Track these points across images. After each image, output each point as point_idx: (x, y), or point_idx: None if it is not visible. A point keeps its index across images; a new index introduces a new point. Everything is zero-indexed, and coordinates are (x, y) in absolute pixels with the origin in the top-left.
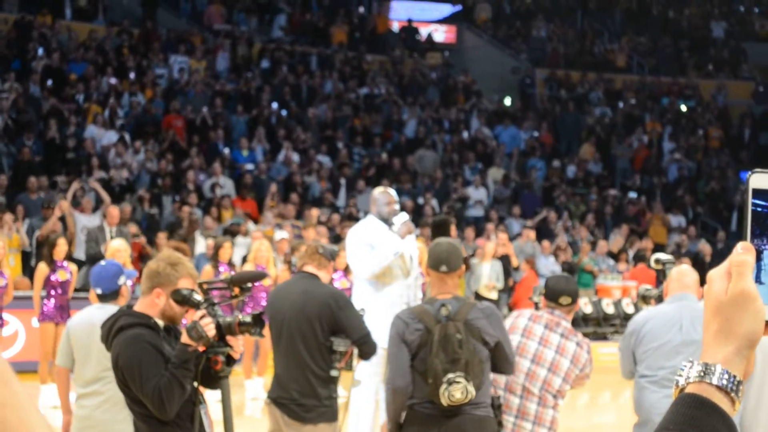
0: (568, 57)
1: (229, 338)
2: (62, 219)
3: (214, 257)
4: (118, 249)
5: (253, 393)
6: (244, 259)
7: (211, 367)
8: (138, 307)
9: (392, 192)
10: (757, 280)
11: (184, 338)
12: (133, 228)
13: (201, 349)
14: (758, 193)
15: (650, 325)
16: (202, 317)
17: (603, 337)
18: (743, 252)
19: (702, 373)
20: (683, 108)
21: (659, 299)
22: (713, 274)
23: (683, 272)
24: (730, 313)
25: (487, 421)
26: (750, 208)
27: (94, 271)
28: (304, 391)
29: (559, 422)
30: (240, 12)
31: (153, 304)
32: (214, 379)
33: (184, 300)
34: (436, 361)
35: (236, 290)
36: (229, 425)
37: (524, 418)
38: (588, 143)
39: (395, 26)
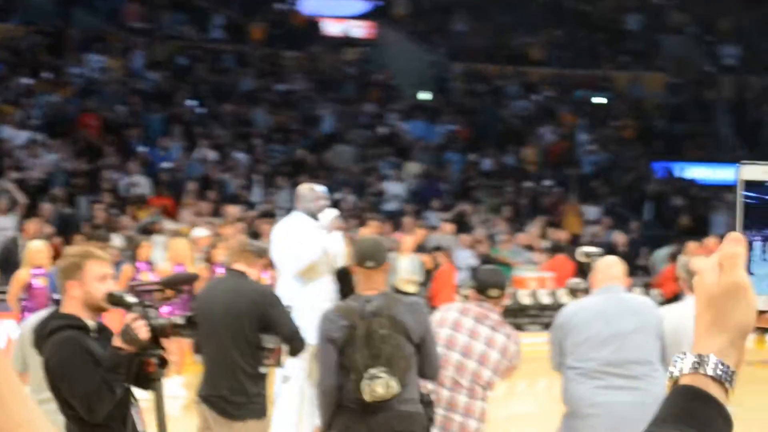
0: (486, 51)
1: (163, 340)
2: None
3: (132, 257)
4: (39, 250)
5: (172, 391)
6: (162, 259)
7: (144, 369)
8: (64, 309)
9: (319, 188)
10: (748, 271)
11: (116, 341)
12: (47, 229)
13: (132, 350)
14: (749, 185)
15: (578, 318)
16: (134, 320)
17: (520, 328)
18: (734, 243)
19: (696, 365)
20: (597, 100)
21: (587, 292)
22: (703, 265)
23: (609, 263)
24: (722, 304)
25: (415, 416)
26: (741, 199)
27: (54, 277)
28: (234, 389)
29: (488, 414)
30: (158, 9)
31: (72, 300)
32: (148, 380)
33: (117, 302)
34: (358, 356)
35: (169, 292)
36: (162, 427)
37: (454, 410)
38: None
39: (315, 22)
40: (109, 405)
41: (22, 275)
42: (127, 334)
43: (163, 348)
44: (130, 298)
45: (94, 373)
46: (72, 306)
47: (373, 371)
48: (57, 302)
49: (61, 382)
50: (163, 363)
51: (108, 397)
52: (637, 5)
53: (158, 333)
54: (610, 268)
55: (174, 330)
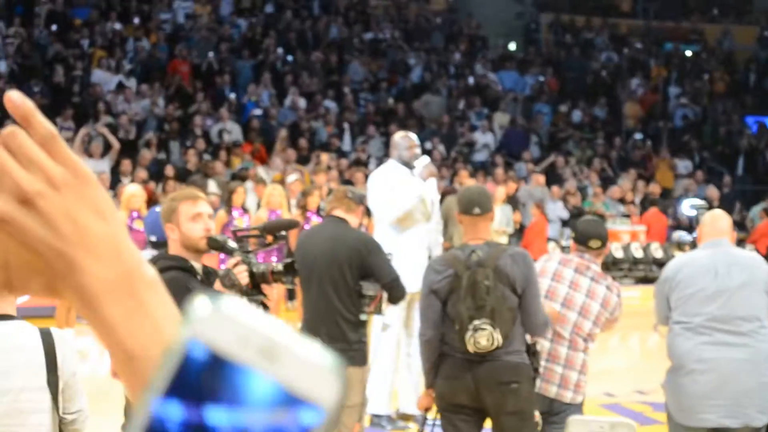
0: (573, 2)
1: (264, 287)
2: None
3: (227, 202)
4: (133, 194)
5: None
6: (258, 205)
7: None
8: (170, 251)
9: (413, 136)
10: None
11: (218, 286)
12: (142, 173)
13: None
14: None
15: (685, 272)
16: (235, 265)
17: None
18: None
19: None
20: (687, 53)
21: (693, 245)
22: None
23: (716, 217)
24: None
25: (521, 367)
26: None
27: (148, 220)
28: (334, 335)
29: (589, 365)
30: None
31: (173, 243)
32: None
33: (218, 246)
34: (462, 307)
35: (269, 238)
36: None
37: (555, 362)
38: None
39: None
40: None
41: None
42: (228, 278)
43: (264, 294)
44: (232, 243)
45: None
46: (174, 248)
47: (477, 322)
48: (154, 244)
49: None
50: (265, 309)
51: None
52: None
53: (258, 279)
54: (717, 221)
55: (274, 276)
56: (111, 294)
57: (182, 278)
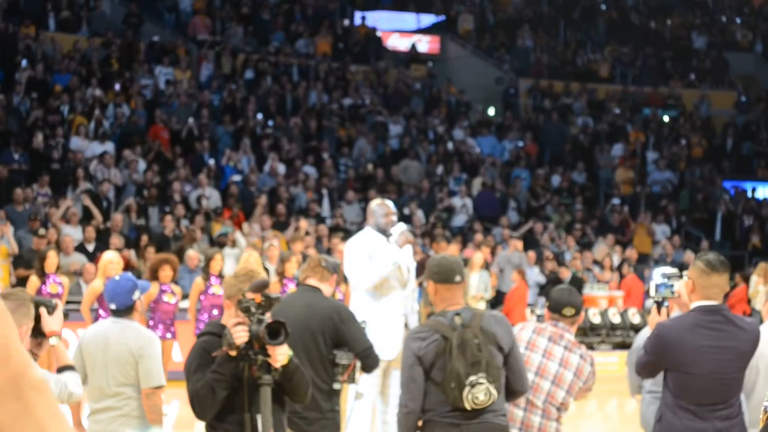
0: (552, 67)
1: (269, 347)
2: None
3: (204, 269)
4: (110, 261)
5: None
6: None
7: (250, 373)
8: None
9: (390, 204)
10: None
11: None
12: (117, 241)
13: (232, 354)
14: None
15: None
16: (235, 325)
17: (590, 347)
18: None
19: None
20: (666, 118)
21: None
22: None
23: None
24: None
25: (506, 430)
26: None
27: (109, 287)
28: (307, 404)
29: None
30: (224, 22)
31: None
32: (254, 384)
33: (245, 310)
34: (458, 364)
35: (258, 299)
36: (266, 430)
37: (528, 431)
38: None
39: (379, 36)
40: (211, 405)
41: (96, 286)
42: (226, 338)
43: (267, 354)
44: (254, 307)
45: (203, 375)
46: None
47: (473, 378)
48: (114, 312)
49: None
50: (268, 369)
51: (209, 397)
52: (704, 22)
53: (254, 339)
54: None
55: (260, 342)
56: None
57: (208, 341)
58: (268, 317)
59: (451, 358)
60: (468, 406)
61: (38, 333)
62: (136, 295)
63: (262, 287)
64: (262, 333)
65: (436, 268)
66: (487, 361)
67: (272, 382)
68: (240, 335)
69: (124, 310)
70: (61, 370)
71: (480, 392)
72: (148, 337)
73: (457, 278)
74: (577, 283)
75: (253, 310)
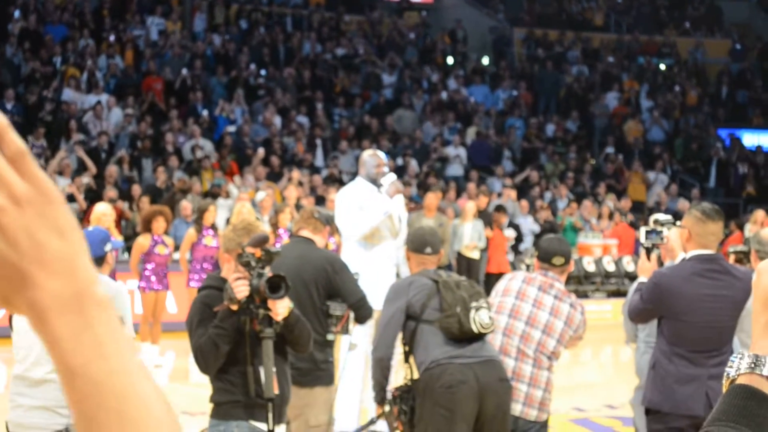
0: (546, 16)
1: (270, 301)
2: None
3: (197, 221)
4: (104, 213)
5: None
6: (227, 222)
7: (252, 327)
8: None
9: (381, 154)
10: None
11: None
12: (111, 192)
13: (233, 308)
14: None
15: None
16: (234, 279)
17: (584, 295)
18: None
19: (752, 365)
20: (661, 66)
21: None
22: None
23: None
24: None
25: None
26: None
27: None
28: (301, 355)
29: (553, 383)
30: None
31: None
32: (257, 338)
33: (245, 265)
34: (460, 292)
35: (258, 253)
36: (269, 384)
37: (519, 380)
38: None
39: None
40: (214, 360)
41: None
42: (227, 292)
43: (267, 308)
44: (254, 262)
45: (206, 330)
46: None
47: (475, 303)
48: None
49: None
50: (269, 323)
51: (212, 352)
52: None
53: (254, 293)
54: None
55: (260, 295)
56: (61, 310)
57: (210, 295)
58: (268, 271)
59: (449, 291)
60: (475, 329)
61: None
62: (108, 247)
63: (262, 242)
64: (262, 287)
65: (411, 236)
66: (483, 291)
67: (274, 335)
68: (241, 290)
69: (95, 260)
70: None
71: (485, 316)
72: (116, 288)
73: (428, 250)
74: (572, 232)
75: (253, 264)
